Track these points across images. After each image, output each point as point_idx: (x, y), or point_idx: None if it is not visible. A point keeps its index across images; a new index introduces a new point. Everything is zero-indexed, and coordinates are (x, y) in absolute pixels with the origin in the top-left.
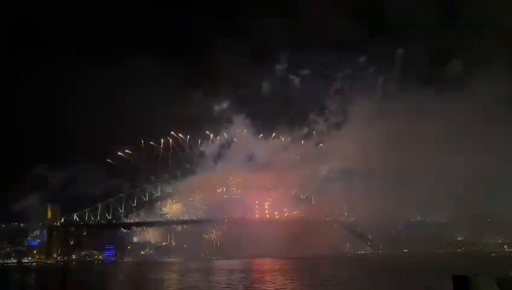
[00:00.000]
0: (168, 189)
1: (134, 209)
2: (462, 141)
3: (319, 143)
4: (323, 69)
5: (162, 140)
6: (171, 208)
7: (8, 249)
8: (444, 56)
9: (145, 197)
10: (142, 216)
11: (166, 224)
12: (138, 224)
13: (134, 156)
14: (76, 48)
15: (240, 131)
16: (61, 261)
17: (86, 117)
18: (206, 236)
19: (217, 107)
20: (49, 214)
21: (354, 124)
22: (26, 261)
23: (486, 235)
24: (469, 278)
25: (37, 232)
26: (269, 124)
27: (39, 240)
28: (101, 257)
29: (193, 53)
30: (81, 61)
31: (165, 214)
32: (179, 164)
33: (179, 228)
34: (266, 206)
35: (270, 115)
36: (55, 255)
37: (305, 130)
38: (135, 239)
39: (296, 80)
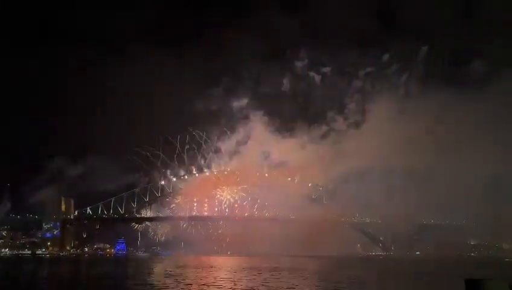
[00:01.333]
0: (181, 185)
1: (147, 204)
2: (483, 142)
3: (337, 142)
4: (344, 67)
5: (179, 136)
6: (183, 204)
7: (22, 241)
8: (465, 56)
9: (158, 193)
10: (154, 211)
11: (177, 219)
12: (150, 219)
13: (151, 151)
14: (94, 44)
15: (257, 128)
16: (74, 254)
17: (105, 112)
18: (216, 233)
19: (235, 104)
20: (63, 207)
21: (373, 123)
22: (40, 252)
23: (501, 240)
24: (481, 282)
25: (50, 225)
26: (287, 122)
27: (54, 232)
28: (113, 250)
29: (211, 50)
30: (99, 58)
31: (177, 209)
32: (194, 160)
33: (191, 223)
34: (277, 205)
35: (289, 113)
36: (68, 248)
37: (324, 128)
38: (146, 234)
39: (317, 78)
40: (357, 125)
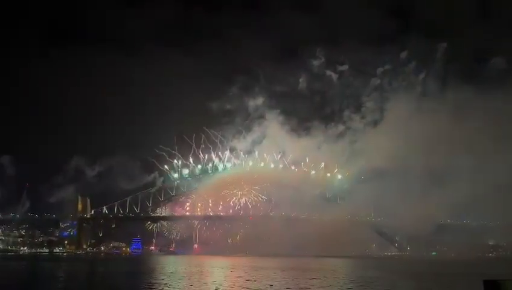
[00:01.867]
0: (196, 185)
1: (162, 203)
2: (503, 141)
3: (354, 142)
4: (362, 65)
5: (194, 135)
6: (198, 204)
7: (40, 239)
8: (483, 54)
9: (173, 192)
10: (169, 210)
11: (192, 219)
12: (165, 218)
13: (167, 151)
14: (109, 44)
15: (273, 127)
16: (90, 253)
17: (124, 113)
18: (231, 232)
19: (251, 103)
20: (80, 207)
21: (391, 122)
22: (58, 251)
23: None
24: (500, 283)
25: (67, 224)
26: (304, 121)
27: (71, 231)
28: (128, 249)
29: (223, 50)
30: (114, 58)
31: (191, 209)
32: (209, 159)
33: (205, 223)
34: (291, 205)
35: (305, 112)
36: (84, 246)
37: (341, 128)
38: (162, 233)
39: (334, 76)
40: (374, 124)
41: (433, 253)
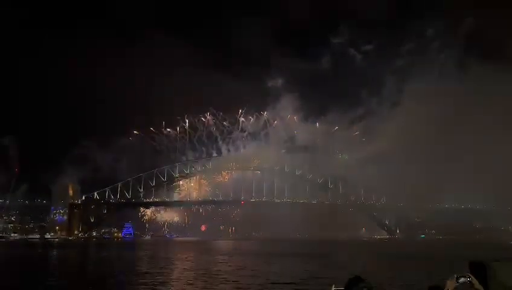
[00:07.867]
0: (192, 169)
1: (153, 188)
2: None
3: (367, 126)
4: (386, 44)
5: (200, 118)
6: (190, 188)
7: (31, 225)
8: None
9: (164, 177)
10: (161, 196)
11: (184, 204)
12: (157, 203)
13: (171, 134)
14: (108, 27)
15: (286, 111)
16: (82, 238)
17: (132, 95)
18: (224, 217)
19: (269, 84)
20: (70, 192)
21: (408, 104)
22: (49, 236)
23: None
24: (486, 263)
25: (59, 210)
26: (321, 104)
27: (62, 217)
28: (120, 234)
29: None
30: (115, 41)
31: (184, 194)
32: (213, 142)
33: (199, 207)
34: (288, 189)
35: (324, 95)
36: (76, 232)
37: (359, 111)
38: (154, 218)
39: (358, 56)
40: (392, 106)
41: (422, 236)
